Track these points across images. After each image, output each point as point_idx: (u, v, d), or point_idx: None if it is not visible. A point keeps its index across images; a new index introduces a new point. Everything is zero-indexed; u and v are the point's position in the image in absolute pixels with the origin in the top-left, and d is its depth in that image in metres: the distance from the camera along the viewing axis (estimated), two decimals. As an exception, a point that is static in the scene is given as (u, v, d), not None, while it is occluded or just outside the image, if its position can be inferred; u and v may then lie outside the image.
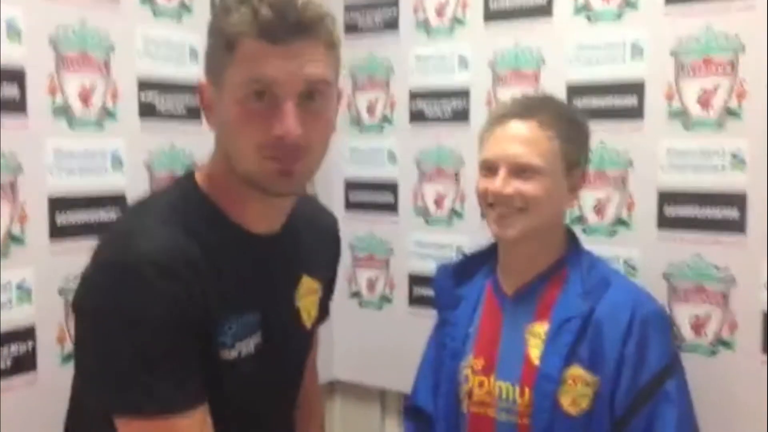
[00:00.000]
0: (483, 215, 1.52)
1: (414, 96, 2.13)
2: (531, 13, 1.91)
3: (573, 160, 1.47)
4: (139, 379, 0.93)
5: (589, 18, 1.83)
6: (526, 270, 1.49)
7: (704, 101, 1.70)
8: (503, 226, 1.43)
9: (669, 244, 1.76)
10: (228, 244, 1.05)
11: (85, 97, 1.59)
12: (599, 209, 1.85)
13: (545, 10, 1.89)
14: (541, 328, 1.43)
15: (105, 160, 1.63)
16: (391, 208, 2.20)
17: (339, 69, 1.06)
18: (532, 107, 1.47)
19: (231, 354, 1.03)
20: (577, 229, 1.85)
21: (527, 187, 1.40)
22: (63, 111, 1.56)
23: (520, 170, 1.41)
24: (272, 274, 1.11)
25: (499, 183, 1.41)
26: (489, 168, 1.45)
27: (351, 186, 2.28)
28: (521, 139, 1.42)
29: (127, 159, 1.67)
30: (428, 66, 2.09)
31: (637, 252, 1.80)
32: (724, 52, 1.67)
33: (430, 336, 1.68)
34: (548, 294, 1.46)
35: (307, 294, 1.18)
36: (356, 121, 2.25)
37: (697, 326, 1.74)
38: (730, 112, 1.68)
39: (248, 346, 1.05)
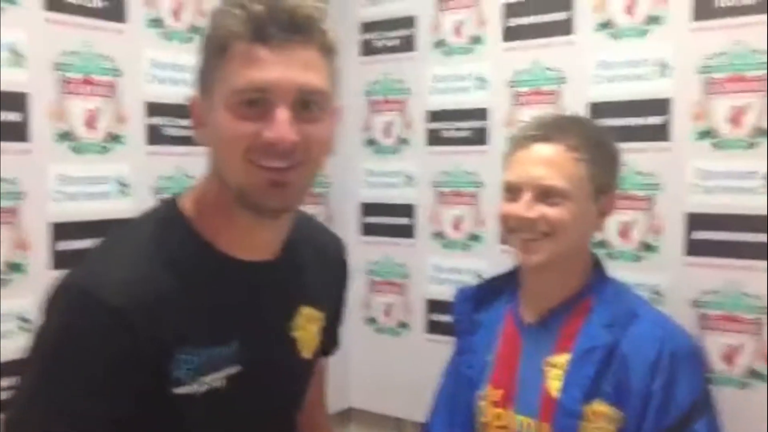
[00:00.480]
0: (505, 240, 1.47)
1: (431, 117, 2.07)
2: (551, 31, 1.85)
3: (602, 183, 1.40)
4: (55, 399, 0.89)
5: (612, 35, 1.77)
6: (549, 297, 1.42)
7: (734, 120, 1.62)
8: (528, 251, 1.37)
9: (698, 270, 1.68)
10: (209, 273, 0.99)
11: (90, 122, 1.56)
12: (624, 233, 1.77)
13: (566, 27, 1.83)
14: (562, 358, 1.36)
15: (110, 186, 1.59)
16: (408, 231, 2.14)
17: (336, 81, 1.00)
18: (559, 129, 1.40)
19: (188, 389, 0.96)
20: (601, 254, 1.79)
21: (553, 211, 1.34)
22: (66, 136, 1.53)
23: (544, 194, 1.35)
24: (261, 304, 1.04)
25: (522, 206, 1.35)
26: (512, 191, 1.39)
27: (367, 209, 2.22)
28: (546, 161, 1.36)
29: (133, 184, 1.64)
30: (446, 86, 2.04)
31: (665, 278, 1.72)
32: (754, 69, 1.59)
33: (448, 363, 1.61)
34: (571, 323, 1.39)
35: (306, 324, 1.11)
36: (372, 143, 2.19)
37: (728, 357, 1.65)
38: (762, 132, 1.60)
39: (217, 379, 0.98)
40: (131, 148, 1.64)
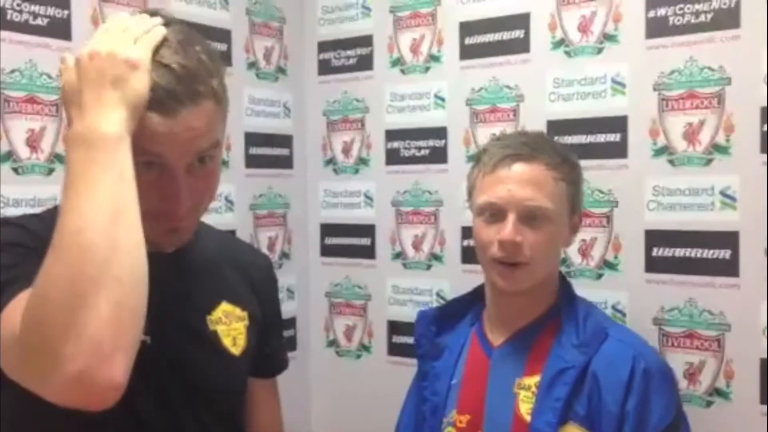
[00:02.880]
0: (480, 262, 1.40)
1: (390, 136, 2.05)
2: (508, 49, 1.84)
3: (574, 202, 1.39)
4: None
5: (567, 53, 1.77)
6: (518, 319, 1.38)
7: (690, 136, 1.63)
8: (509, 278, 1.32)
9: (658, 287, 1.67)
10: None
11: (33, 143, 1.51)
12: (584, 251, 1.76)
13: (522, 46, 1.82)
14: (532, 380, 1.32)
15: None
16: (368, 252, 2.10)
17: (225, 124, 1.02)
18: (535, 147, 1.36)
19: None
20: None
21: (536, 236, 1.30)
22: (7, 158, 1.48)
23: (530, 216, 1.31)
24: (167, 292, 1.00)
25: (510, 230, 1.29)
26: (493, 213, 1.33)
27: (326, 230, 2.19)
28: (530, 181, 1.31)
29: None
30: (404, 105, 2.02)
31: (626, 296, 1.71)
32: (709, 85, 1.60)
33: (410, 388, 1.57)
34: (540, 345, 1.35)
35: (227, 319, 1.12)
36: (331, 163, 2.16)
37: (691, 375, 1.64)
38: (718, 148, 1.60)
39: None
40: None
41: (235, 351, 1.12)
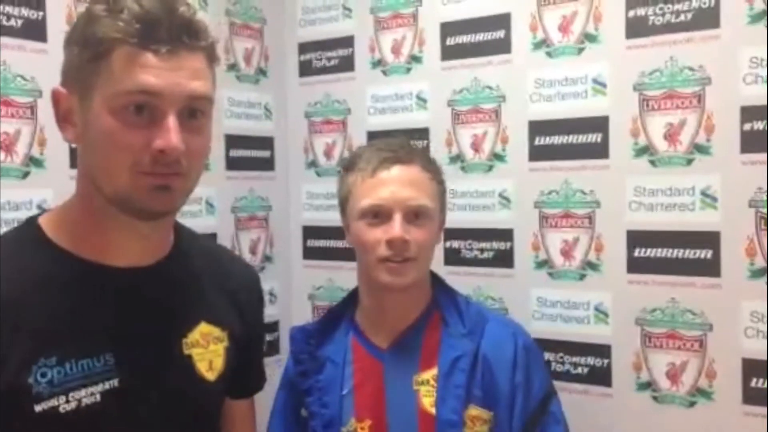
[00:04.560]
0: (364, 265, 1.42)
1: (372, 137, 2.03)
2: (489, 50, 1.84)
3: (443, 201, 1.47)
4: None
5: (548, 53, 1.76)
6: (402, 318, 1.42)
7: (671, 137, 1.62)
8: (397, 274, 1.36)
9: (640, 287, 1.67)
10: (67, 280, 0.95)
11: (7, 146, 1.49)
12: (566, 252, 1.76)
13: (503, 46, 1.82)
14: (429, 374, 1.37)
15: (30, 211, 1.51)
16: (351, 254, 2.07)
17: (215, 89, 1.00)
18: (408, 150, 1.43)
19: (51, 405, 0.90)
20: (544, 273, 1.78)
21: (420, 233, 1.36)
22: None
23: (413, 215, 1.36)
24: (139, 313, 1.00)
25: (398, 229, 1.33)
26: (377, 215, 1.36)
27: (309, 232, 2.17)
28: (410, 182, 1.38)
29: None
30: (386, 106, 2.01)
31: (608, 297, 1.71)
32: (689, 85, 1.60)
33: (274, 410, 1.50)
34: (430, 339, 1.41)
35: (204, 341, 1.07)
36: (313, 165, 2.15)
37: (673, 375, 1.64)
38: (699, 148, 1.60)
39: (90, 395, 0.93)
40: (53, 172, 1.56)
41: (210, 375, 1.08)
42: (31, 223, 1.01)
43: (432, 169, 1.43)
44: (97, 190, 0.94)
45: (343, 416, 1.39)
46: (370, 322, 1.45)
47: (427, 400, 1.35)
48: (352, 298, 1.51)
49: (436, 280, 1.50)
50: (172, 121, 0.90)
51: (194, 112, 0.94)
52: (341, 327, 1.48)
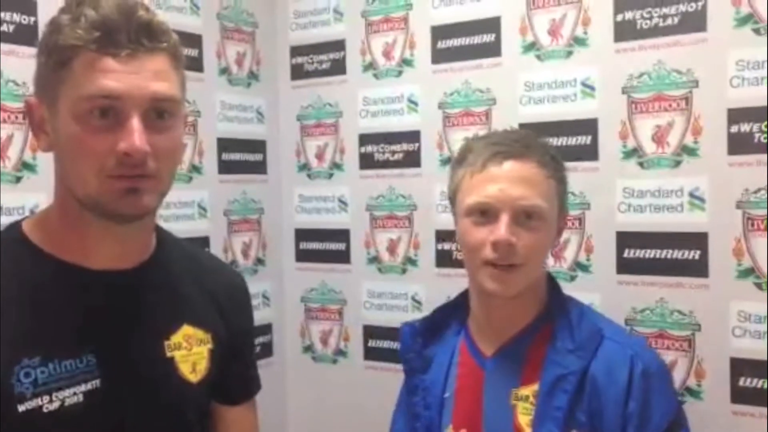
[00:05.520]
0: (470, 267, 1.31)
1: (364, 140, 2.05)
2: (479, 53, 1.85)
3: (563, 201, 1.34)
4: None
5: (538, 57, 1.78)
6: (510, 326, 1.31)
7: (659, 139, 1.64)
8: (502, 281, 1.24)
9: (630, 288, 1.69)
10: (48, 283, 0.96)
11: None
12: (557, 253, 1.77)
13: (494, 50, 1.83)
14: (530, 390, 1.26)
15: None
16: (343, 257, 2.10)
17: (185, 92, 1.00)
18: (525, 144, 1.29)
19: (33, 405, 0.92)
20: (535, 275, 1.79)
21: (530, 237, 1.23)
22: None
23: (524, 216, 1.24)
24: (121, 314, 1.00)
25: (504, 231, 1.21)
26: (484, 213, 1.24)
27: (301, 235, 2.18)
28: (523, 179, 1.24)
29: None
30: (377, 109, 2.02)
31: (598, 297, 1.72)
32: (677, 88, 1.62)
33: (398, 403, 1.48)
34: (535, 352, 1.28)
35: (187, 344, 1.07)
36: (305, 168, 2.16)
37: (664, 375, 1.65)
38: (687, 150, 1.62)
39: (72, 395, 0.94)
40: (45, 177, 1.56)
41: (193, 377, 1.08)
42: (14, 227, 1.02)
43: (550, 165, 1.28)
44: (72, 196, 0.95)
45: (442, 422, 1.32)
46: (477, 326, 1.36)
47: (524, 419, 1.24)
48: (466, 297, 1.39)
49: (553, 287, 1.36)
50: (135, 122, 0.90)
51: (161, 113, 0.94)
52: (452, 326, 1.40)
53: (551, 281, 1.37)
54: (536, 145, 1.32)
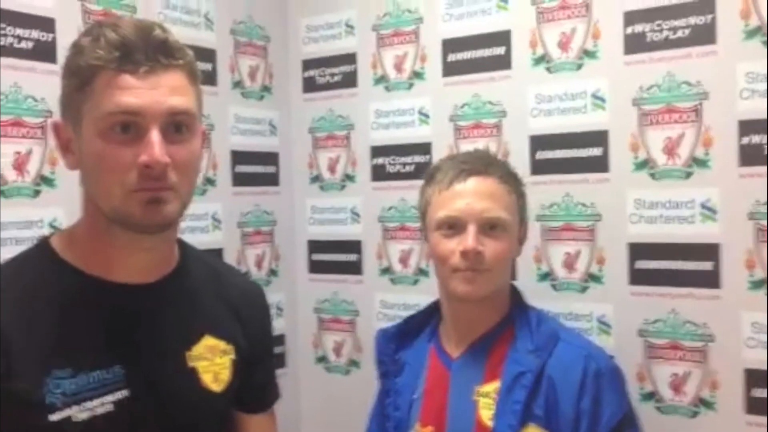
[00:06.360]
0: (439, 276, 1.44)
1: (375, 152, 2.07)
2: (490, 66, 1.87)
3: (523, 213, 1.46)
4: None
5: (548, 69, 1.79)
6: (475, 329, 1.43)
7: (670, 150, 1.65)
8: (470, 284, 1.36)
9: (642, 299, 1.69)
10: (77, 297, 1.00)
11: (19, 166, 1.53)
12: (569, 264, 1.78)
13: (504, 62, 1.85)
14: (491, 387, 1.37)
15: (42, 230, 1.54)
16: (356, 268, 2.11)
17: (202, 107, 1.04)
18: (486, 162, 1.43)
19: (64, 415, 0.94)
20: (547, 285, 1.80)
21: (495, 245, 1.36)
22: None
23: (488, 226, 1.37)
24: (146, 327, 1.04)
25: (472, 240, 1.34)
26: (452, 226, 1.38)
27: (314, 247, 2.20)
28: (486, 194, 1.38)
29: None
30: (389, 121, 2.04)
31: (610, 308, 1.73)
32: (687, 100, 1.63)
33: (373, 408, 1.58)
34: (497, 352, 1.40)
35: (209, 354, 1.11)
36: (317, 180, 2.18)
37: (676, 386, 1.65)
38: (698, 161, 1.62)
39: (102, 405, 0.97)
40: (64, 191, 1.59)
41: (216, 387, 1.11)
42: (43, 242, 1.05)
43: (510, 181, 1.42)
44: (99, 211, 0.99)
45: (410, 420, 1.42)
46: (445, 330, 1.47)
47: (486, 413, 1.35)
48: (438, 307, 1.51)
49: (515, 295, 1.49)
50: (154, 135, 0.94)
51: (179, 126, 0.97)
52: (425, 333, 1.51)
53: (514, 290, 1.49)
54: (497, 163, 1.47)
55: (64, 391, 0.94)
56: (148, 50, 0.94)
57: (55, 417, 0.93)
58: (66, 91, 0.99)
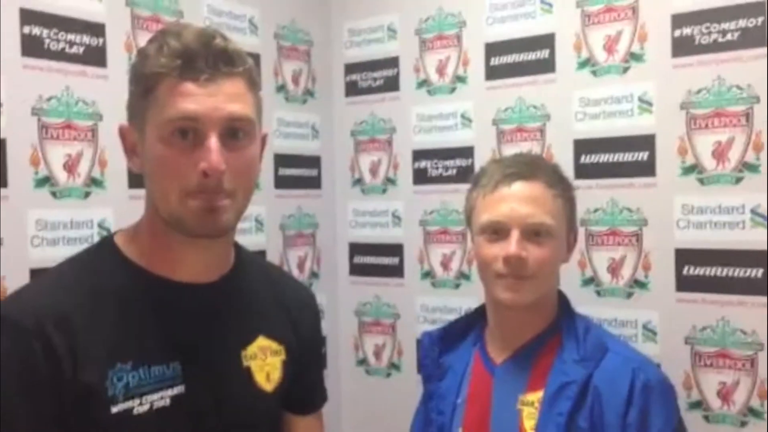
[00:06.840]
0: (483, 280, 1.40)
1: (417, 156, 2.07)
2: (533, 69, 1.86)
3: (571, 219, 1.42)
4: None
5: (594, 72, 1.77)
6: (520, 336, 1.39)
7: (719, 155, 1.62)
8: (515, 291, 1.33)
9: (690, 306, 1.66)
10: (140, 295, 1.02)
11: (70, 167, 1.56)
12: (614, 270, 1.76)
13: (548, 66, 1.84)
14: (536, 396, 1.32)
15: (91, 230, 1.57)
16: (397, 271, 2.12)
17: (261, 112, 1.05)
18: (532, 166, 1.39)
19: (125, 407, 0.97)
20: (591, 291, 1.78)
21: (539, 251, 1.32)
22: (45, 182, 1.53)
23: (533, 232, 1.32)
24: (204, 325, 1.06)
25: (515, 246, 1.31)
26: (497, 231, 1.34)
27: (355, 250, 2.21)
28: (531, 199, 1.34)
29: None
30: (431, 125, 2.04)
31: (657, 315, 1.70)
32: (737, 104, 1.59)
33: (416, 411, 1.55)
34: (542, 361, 1.35)
35: (262, 354, 1.13)
36: (359, 183, 2.19)
37: (725, 394, 1.62)
38: (748, 166, 1.59)
39: (161, 399, 1.00)
40: (112, 192, 1.63)
41: (268, 387, 1.13)
42: (107, 240, 1.08)
43: (558, 185, 1.38)
44: (159, 213, 1.01)
45: (453, 424, 1.39)
46: (490, 336, 1.44)
47: (528, 423, 1.31)
48: (484, 311, 1.48)
49: (563, 302, 1.44)
50: (213, 141, 0.95)
51: (236, 132, 0.99)
52: (470, 337, 1.48)
53: (562, 297, 1.44)
54: (544, 166, 1.43)
55: (126, 384, 0.97)
56: (209, 58, 0.96)
57: (116, 409, 0.96)
58: (132, 97, 1.02)
